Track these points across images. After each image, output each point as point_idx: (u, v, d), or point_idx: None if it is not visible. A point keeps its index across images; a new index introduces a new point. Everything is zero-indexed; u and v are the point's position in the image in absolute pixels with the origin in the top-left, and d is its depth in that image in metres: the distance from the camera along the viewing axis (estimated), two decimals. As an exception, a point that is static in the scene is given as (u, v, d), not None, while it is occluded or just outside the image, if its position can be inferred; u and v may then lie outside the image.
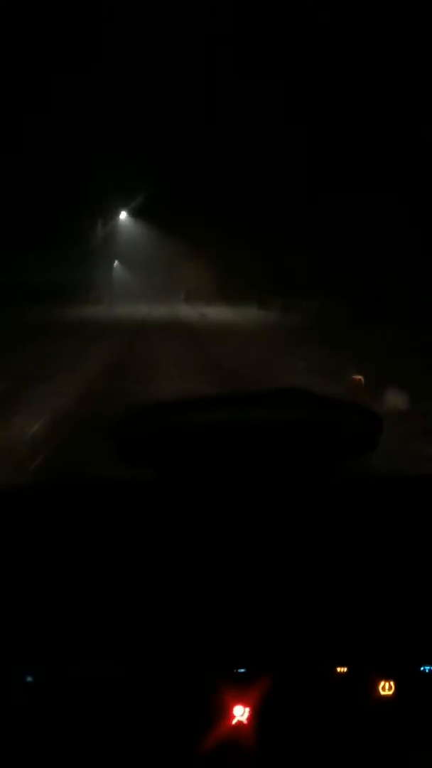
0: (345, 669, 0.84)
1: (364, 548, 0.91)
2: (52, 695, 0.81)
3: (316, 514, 0.95)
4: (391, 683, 0.85)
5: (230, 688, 0.82)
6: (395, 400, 6.00)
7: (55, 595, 0.84)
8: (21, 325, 16.63)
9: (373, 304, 18.24)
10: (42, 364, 9.13)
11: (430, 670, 0.85)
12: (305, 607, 0.86)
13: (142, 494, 0.99)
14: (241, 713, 0.83)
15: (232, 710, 0.82)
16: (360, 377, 7.12)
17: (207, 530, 0.91)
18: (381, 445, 0.96)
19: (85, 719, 0.81)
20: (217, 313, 26.76)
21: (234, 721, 0.82)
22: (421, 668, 0.85)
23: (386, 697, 0.85)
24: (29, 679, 0.81)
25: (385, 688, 0.85)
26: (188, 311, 31.07)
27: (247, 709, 0.83)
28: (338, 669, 0.84)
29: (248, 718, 0.83)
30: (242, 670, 0.83)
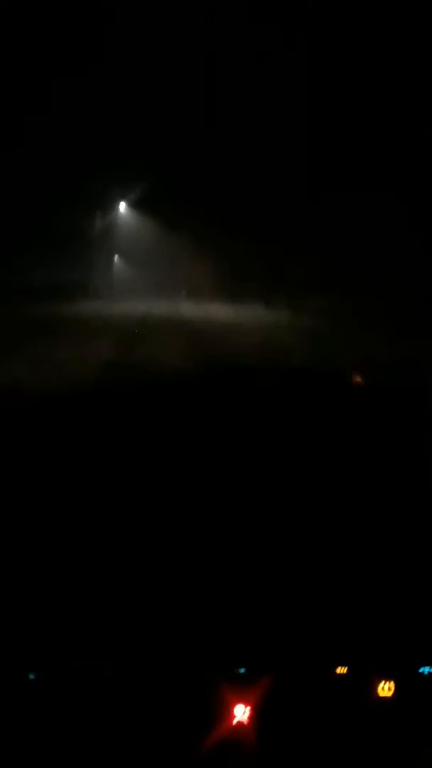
0: (345, 670, 0.88)
1: (365, 552, 0.95)
2: (53, 693, 0.85)
3: (316, 515, 0.99)
4: (391, 684, 0.89)
5: (231, 688, 0.86)
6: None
7: (58, 596, 0.88)
8: (9, 325, 16.79)
9: (391, 306, 18.12)
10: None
11: (428, 671, 0.89)
12: (306, 609, 0.90)
13: (142, 495, 1.03)
14: (241, 713, 0.87)
15: (232, 710, 0.86)
16: (360, 377, 7.14)
17: (208, 531, 0.95)
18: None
19: (86, 718, 0.85)
20: (220, 310, 27.37)
21: (235, 721, 0.87)
22: (420, 670, 0.89)
23: (385, 697, 0.89)
24: (32, 677, 0.85)
25: (385, 689, 0.89)
26: (190, 308, 32.15)
27: (248, 709, 0.87)
28: (338, 670, 0.88)
29: (249, 718, 0.87)
30: (243, 671, 0.87)
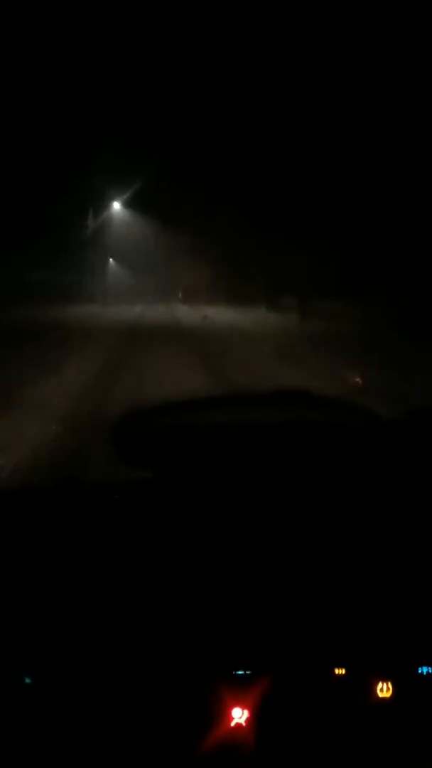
0: (343, 671, 0.91)
1: (363, 550, 0.99)
2: (50, 697, 0.88)
3: (315, 515, 1.02)
4: (389, 685, 0.92)
5: (229, 690, 0.89)
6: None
7: (55, 597, 0.91)
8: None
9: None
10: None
11: (427, 671, 0.93)
12: (304, 609, 0.93)
13: (142, 494, 1.07)
14: (239, 715, 0.90)
15: (230, 712, 0.89)
16: (359, 378, 7.18)
17: (207, 531, 0.99)
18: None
19: (83, 721, 0.89)
20: (220, 315, 24.25)
21: (233, 723, 0.90)
22: (419, 670, 0.92)
23: (384, 698, 0.92)
24: (28, 680, 0.89)
25: (383, 690, 0.92)
26: (187, 312, 28.65)
27: (246, 711, 0.90)
28: (336, 671, 0.91)
29: (247, 720, 0.90)
30: (241, 672, 0.90)
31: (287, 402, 1.07)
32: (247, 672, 0.90)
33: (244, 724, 0.90)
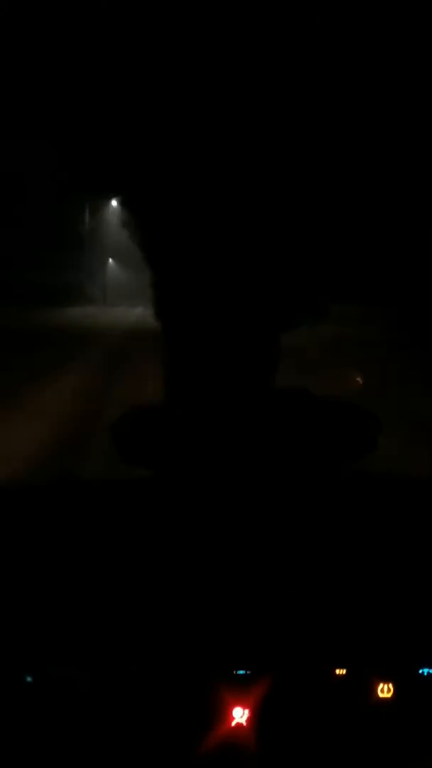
0: (344, 671, 0.95)
1: (364, 550, 1.02)
2: (50, 696, 0.92)
3: (315, 515, 1.06)
4: (390, 685, 0.95)
5: (229, 689, 0.93)
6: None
7: (54, 595, 0.95)
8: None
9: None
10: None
11: (429, 672, 0.96)
12: (305, 609, 0.97)
13: (141, 494, 1.11)
14: (240, 715, 0.94)
15: (231, 712, 0.93)
16: (359, 378, 7.25)
17: (207, 531, 1.03)
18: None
19: (84, 720, 0.93)
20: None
21: (233, 723, 0.94)
22: (420, 671, 0.96)
23: (385, 699, 0.95)
24: (29, 679, 0.93)
25: (384, 691, 0.95)
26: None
27: (246, 711, 0.93)
28: (337, 671, 0.95)
29: (247, 720, 0.94)
30: (241, 672, 0.94)
31: (287, 402, 1.11)
32: (248, 672, 0.94)
33: (244, 723, 0.93)
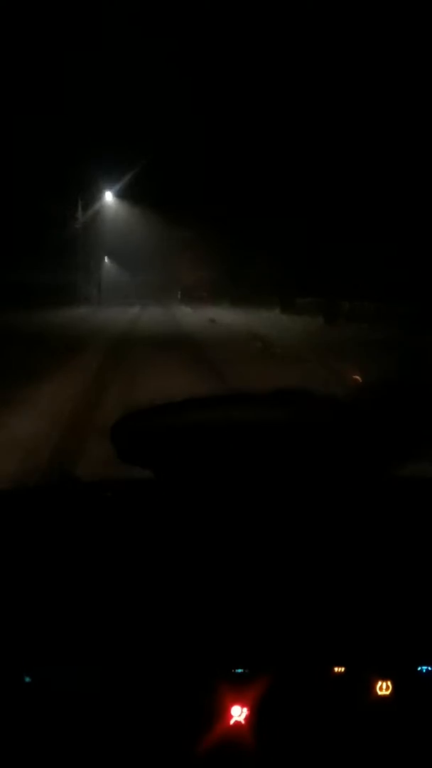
0: (342, 669, 0.99)
1: (363, 549, 1.07)
2: (50, 696, 0.97)
3: (315, 515, 1.10)
4: (389, 683, 0.99)
5: (228, 688, 0.96)
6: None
7: (54, 596, 0.99)
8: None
9: None
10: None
11: (427, 670, 1.00)
12: (303, 608, 1.01)
13: (142, 494, 1.16)
14: (239, 713, 0.97)
15: (230, 710, 0.97)
16: (359, 378, 7.25)
17: (207, 530, 1.07)
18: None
19: (83, 720, 0.97)
20: (228, 318, 21.18)
21: (232, 722, 0.97)
22: (419, 668, 1.00)
23: (384, 697, 0.99)
24: (27, 679, 0.97)
25: (383, 689, 0.99)
26: (190, 315, 26.20)
27: (245, 710, 0.97)
28: (336, 669, 0.99)
29: (246, 719, 0.97)
30: (240, 671, 0.96)
31: (287, 402, 1.15)
32: (247, 670, 0.97)
33: (243, 722, 0.96)
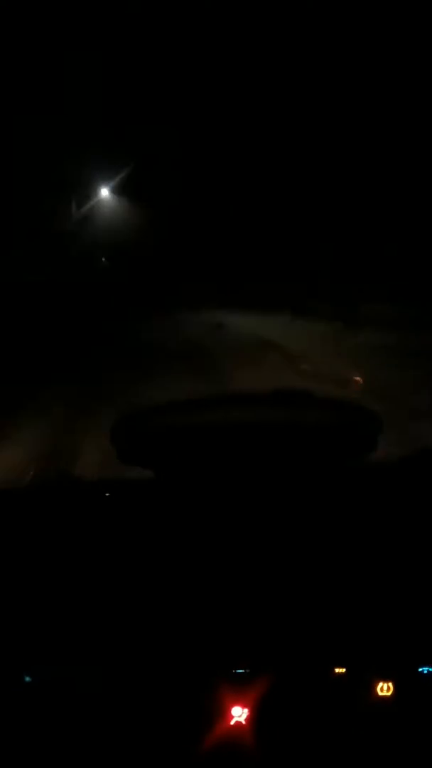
0: (344, 670, 1.02)
1: (363, 550, 1.10)
2: (50, 695, 1.00)
3: (316, 515, 1.14)
4: (390, 684, 1.02)
5: (229, 688, 0.97)
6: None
7: (54, 596, 1.02)
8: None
9: None
10: None
11: (428, 671, 1.03)
12: (304, 609, 1.04)
13: (142, 494, 1.19)
14: (239, 714, 1.00)
15: (230, 711, 0.99)
16: (360, 378, 7.23)
17: (207, 531, 1.10)
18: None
19: (83, 719, 1.00)
20: (236, 322, 19.99)
21: (232, 722, 1.00)
22: (420, 669, 1.03)
23: (385, 697, 1.02)
24: (28, 679, 1.00)
25: (384, 689, 1.02)
26: (194, 319, 27.30)
27: (246, 710, 0.99)
28: (337, 670, 1.02)
29: (247, 719, 1.00)
30: (241, 671, 0.98)
31: (287, 402, 1.19)
32: (247, 671, 0.99)
33: (244, 722, 0.99)
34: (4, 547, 1.08)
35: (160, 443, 1.12)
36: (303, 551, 1.08)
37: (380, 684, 1.02)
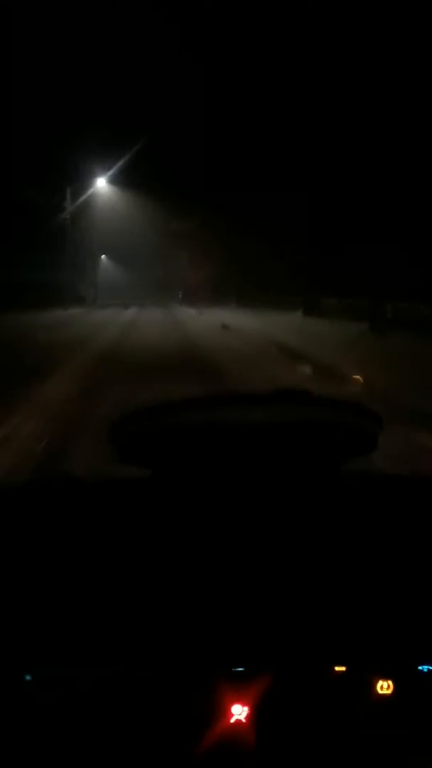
0: (343, 668, 1.05)
1: (363, 548, 1.13)
2: (50, 694, 1.04)
3: (316, 514, 1.18)
4: (390, 683, 1.05)
5: (229, 686, 1.00)
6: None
7: (54, 595, 1.06)
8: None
9: None
10: None
11: (428, 669, 1.07)
12: (304, 606, 1.07)
13: (142, 494, 1.23)
14: (239, 712, 1.03)
15: (230, 709, 1.00)
16: (360, 377, 7.29)
17: (207, 530, 1.14)
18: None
19: (83, 718, 1.03)
20: (241, 322, 18.54)
21: (232, 720, 1.02)
22: (420, 668, 1.06)
23: (385, 696, 1.05)
24: (28, 677, 1.04)
25: (384, 688, 1.05)
26: (195, 318, 24.55)
27: (246, 708, 1.02)
28: (337, 668, 1.05)
29: (247, 717, 1.03)
30: (241, 669, 1.01)
31: (287, 402, 1.23)
32: (247, 669, 1.01)
33: (244, 721, 1.01)
34: (3, 547, 1.12)
35: (160, 443, 1.16)
36: (303, 550, 1.11)
37: (380, 682, 1.05)
